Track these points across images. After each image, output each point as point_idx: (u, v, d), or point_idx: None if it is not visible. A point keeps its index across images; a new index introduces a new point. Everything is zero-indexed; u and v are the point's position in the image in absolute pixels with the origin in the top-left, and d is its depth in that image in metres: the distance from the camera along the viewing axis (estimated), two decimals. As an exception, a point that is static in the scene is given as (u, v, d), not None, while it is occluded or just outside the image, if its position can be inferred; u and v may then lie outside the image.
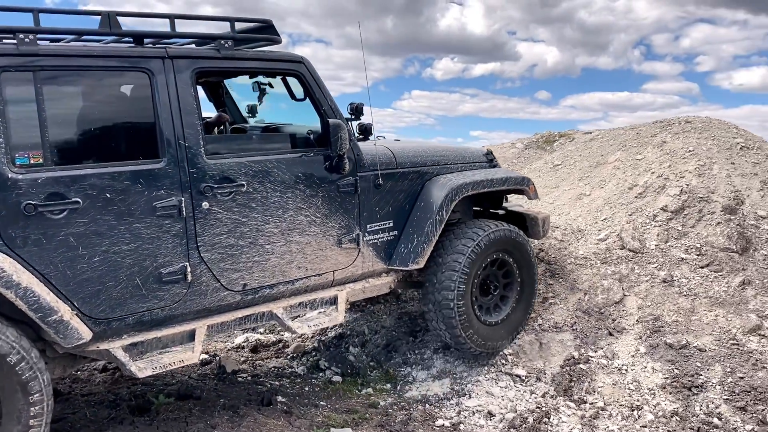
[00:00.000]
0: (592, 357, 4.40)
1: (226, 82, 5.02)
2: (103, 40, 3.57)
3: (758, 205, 5.46)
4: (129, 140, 3.36)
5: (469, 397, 4.32)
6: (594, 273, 5.06)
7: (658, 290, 4.83)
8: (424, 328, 5.12)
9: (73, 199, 3.02)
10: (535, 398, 4.20)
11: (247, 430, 3.78)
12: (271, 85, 4.46)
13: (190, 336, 3.47)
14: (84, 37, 3.48)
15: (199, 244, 3.43)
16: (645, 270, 5.02)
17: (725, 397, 3.96)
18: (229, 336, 5.58)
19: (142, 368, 3.24)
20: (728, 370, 4.14)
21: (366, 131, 4.23)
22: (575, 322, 4.71)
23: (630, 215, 5.59)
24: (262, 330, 6.09)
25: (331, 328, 5.65)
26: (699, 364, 4.20)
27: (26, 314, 2.91)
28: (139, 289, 3.27)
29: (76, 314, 3.09)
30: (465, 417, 4.12)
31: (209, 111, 4.90)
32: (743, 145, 6.10)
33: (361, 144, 4.18)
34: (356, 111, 4.05)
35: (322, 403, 4.33)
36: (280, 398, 4.32)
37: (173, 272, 3.36)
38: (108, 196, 3.11)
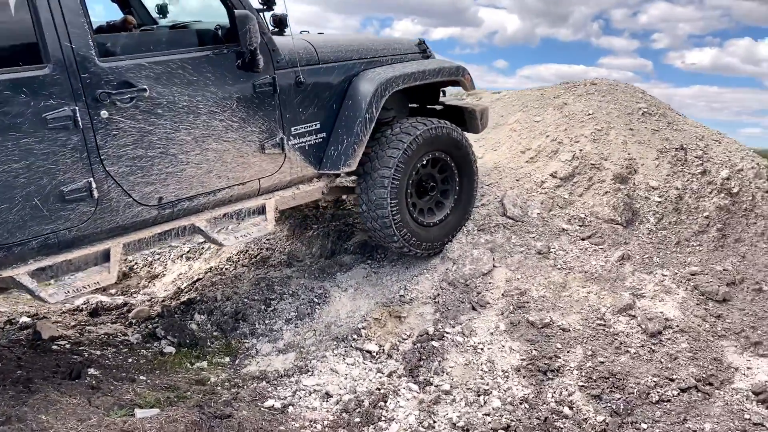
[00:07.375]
0: (447, 333, 3.97)
1: None
2: None
3: (651, 175, 5.09)
4: (5, 44, 2.94)
5: (311, 375, 3.85)
6: (468, 241, 4.61)
7: (531, 262, 4.42)
8: (280, 296, 4.61)
9: None
10: (380, 378, 3.76)
11: (30, 410, 3.21)
12: None
13: (105, 256, 3.30)
14: None
15: (102, 157, 3.14)
16: (522, 240, 4.60)
17: (581, 384, 3.58)
18: (68, 294, 4.96)
19: (53, 293, 3.12)
20: (589, 353, 3.76)
21: (281, 23, 3.83)
22: (438, 294, 4.27)
23: (517, 180, 5.16)
24: (114, 291, 5.50)
25: (185, 292, 5.09)
26: (559, 346, 3.81)
27: None
28: (39, 209, 3.00)
29: None
30: (299, 398, 3.65)
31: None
32: (645, 110, 5.71)
33: (278, 39, 3.78)
34: (267, 1, 3.66)
35: (141, 377, 3.81)
36: (92, 371, 3.78)
37: (76, 189, 3.09)
38: None
